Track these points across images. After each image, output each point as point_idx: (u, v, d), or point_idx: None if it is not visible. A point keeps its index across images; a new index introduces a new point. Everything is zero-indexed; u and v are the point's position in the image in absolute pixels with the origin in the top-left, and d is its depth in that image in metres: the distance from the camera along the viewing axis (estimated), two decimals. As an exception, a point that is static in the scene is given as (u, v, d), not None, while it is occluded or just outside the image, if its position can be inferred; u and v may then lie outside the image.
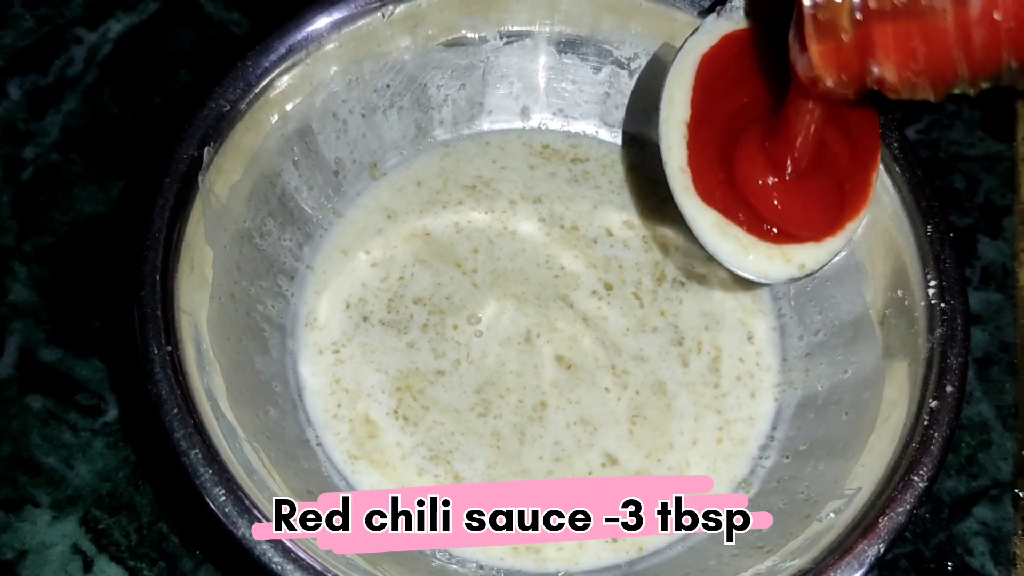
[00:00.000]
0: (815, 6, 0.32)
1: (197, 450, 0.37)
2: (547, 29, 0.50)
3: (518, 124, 0.52)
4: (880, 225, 0.45)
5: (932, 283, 0.42)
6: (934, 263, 0.42)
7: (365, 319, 0.48)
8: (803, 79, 0.35)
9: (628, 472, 0.45)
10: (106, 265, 0.52)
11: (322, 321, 0.48)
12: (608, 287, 0.49)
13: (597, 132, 0.53)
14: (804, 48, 0.34)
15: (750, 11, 0.43)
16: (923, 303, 0.42)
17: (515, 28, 0.50)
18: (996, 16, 0.30)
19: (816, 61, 0.34)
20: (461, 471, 0.45)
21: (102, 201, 0.53)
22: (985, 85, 0.33)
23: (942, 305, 0.41)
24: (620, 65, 0.51)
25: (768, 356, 0.48)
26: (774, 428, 0.47)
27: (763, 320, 0.49)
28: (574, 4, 0.49)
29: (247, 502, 0.37)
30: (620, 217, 0.51)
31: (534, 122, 0.52)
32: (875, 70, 0.33)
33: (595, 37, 0.50)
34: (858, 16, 0.32)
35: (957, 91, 0.33)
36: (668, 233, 0.50)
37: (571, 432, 0.46)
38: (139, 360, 0.39)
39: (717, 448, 0.46)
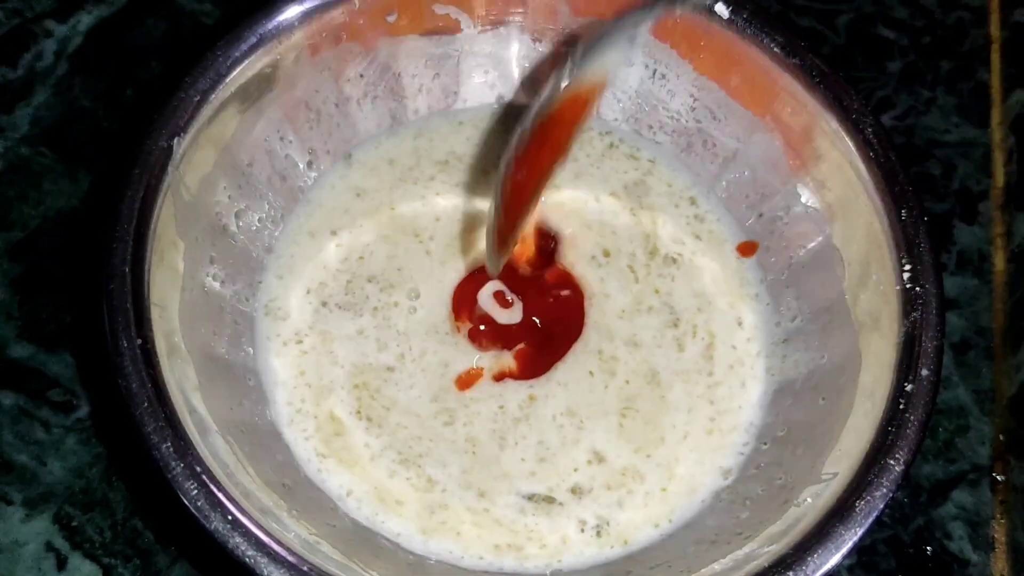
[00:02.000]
0: None
1: (168, 444, 0.37)
2: (520, 18, 0.50)
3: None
4: (855, 210, 0.45)
5: (907, 267, 0.42)
6: (908, 247, 0.42)
7: (324, 304, 0.47)
8: None
9: (615, 469, 0.44)
10: (77, 259, 0.51)
11: (285, 310, 0.47)
12: (606, 254, 0.49)
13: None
14: None
15: None
16: (898, 287, 0.42)
17: (489, 16, 0.50)
18: None
19: None
20: (434, 475, 0.44)
21: (73, 195, 0.53)
22: None
23: (917, 289, 0.41)
24: (595, 53, 0.50)
25: (756, 342, 0.47)
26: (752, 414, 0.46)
27: (749, 304, 0.48)
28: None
29: (220, 496, 0.36)
30: (605, 188, 0.50)
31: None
32: None
33: (569, 25, 0.50)
34: None
35: None
36: (655, 204, 0.50)
37: (557, 424, 0.45)
38: (109, 354, 0.38)
39: (707, 440, 0.45)
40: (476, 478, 0.44)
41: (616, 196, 0.50)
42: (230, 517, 0.36)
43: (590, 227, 0.49)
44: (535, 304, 0.48)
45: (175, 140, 0.42)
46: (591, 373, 0.46)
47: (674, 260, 0.49)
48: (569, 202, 0.50)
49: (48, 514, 0.46)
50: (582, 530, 0.43)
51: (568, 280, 0.48)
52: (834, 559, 0.37)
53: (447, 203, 0.50)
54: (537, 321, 0.47)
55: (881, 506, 0.38)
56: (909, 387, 0.40)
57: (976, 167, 0.56)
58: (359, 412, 0.45)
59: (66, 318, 0.50)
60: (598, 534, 0.43)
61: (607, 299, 0.48)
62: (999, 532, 0.48)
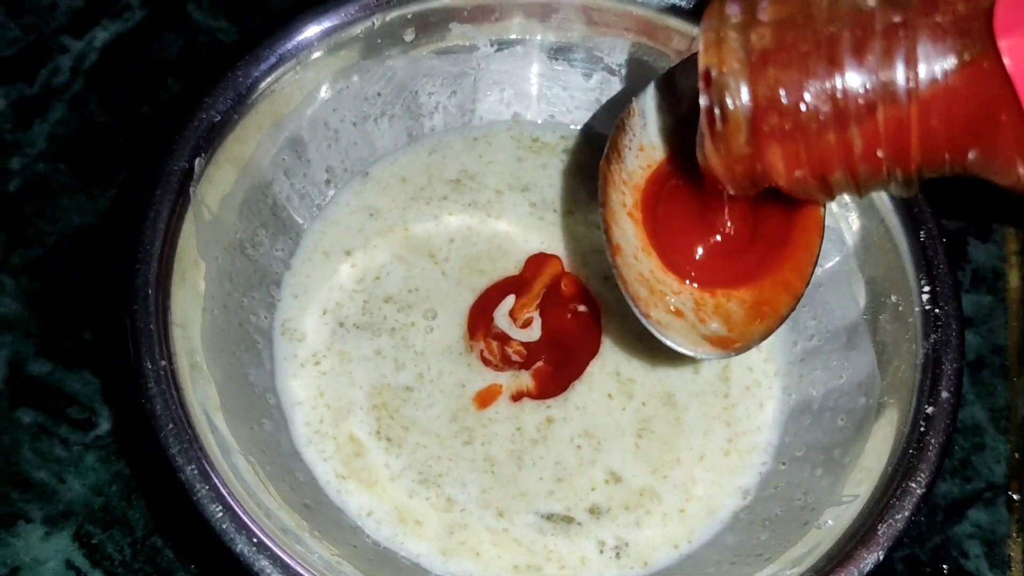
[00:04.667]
0: (711, 121, 0.34)
1: (193, 466, 0.37)
2: (538, 36, 0.50)
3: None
4: (873, 231, 0.45)
5: (926, 289, 0.42)
6: (927, 269, 0.42)
7: (341, 324, 0.47)
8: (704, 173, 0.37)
9: (633, 489, 0.45)
10: (96, 276, 0.51)
11: (301, 330, 0.47)
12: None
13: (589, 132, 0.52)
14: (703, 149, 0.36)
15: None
16: (917, 309, 0.42)
17: (506, 36, 0.50)
18: (879, 154, 0.32)
19: (712, 162, 0.35)
20: (453, 494, 0.44)
21: (90, 211, 0.53)
22: (872, 192, 0.35)
23: (936, 311, 0.42)
24: (611, 71, 0.51)
25: (773, 362, 0.47)
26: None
27: None
28: (565, 11, 0.49)
29: (244, 518, 0.37)
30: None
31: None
32: (766, 178, 0.35)
33: (585, 44, 0.50)
34: (749, 139, 0.34)
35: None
36: None
37: (574, 445, 0.45)
38: (133, 375, 0.38)
39: (724, 461, 0.45)
40: (495, 497, 0.44)
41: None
42: (255, 540, 0.36)
43: (600, 251, 0.49)
44: (553, 319, 0.48)
45: (196, 160, 0.43)
46: (610, 396, 0.46)
47: None
48: (584, 224, 0.50)
49: (68, 532, 0.46)
50: (601, 551, 0.43)
51: (585, 294, 0.48)
52: (856, 582, 0.37)
53: (460, 223, 0.50)
54: (555, 337, 0.47)
55: (903, 528, 0.38)
56: (930, 409, 0.40)
57: (990, 184, 0.56)
58: (378, 432, 0.45)
59: (84, 335, 0.50)
60: (617, 555, 0.43)
61: (625, 319, 0.48)
62: (1015, 550, 0.48)
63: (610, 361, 0.47)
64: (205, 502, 0.36)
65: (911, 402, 0.41)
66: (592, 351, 0.47)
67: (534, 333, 0.48)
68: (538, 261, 0.49)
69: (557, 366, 0.47)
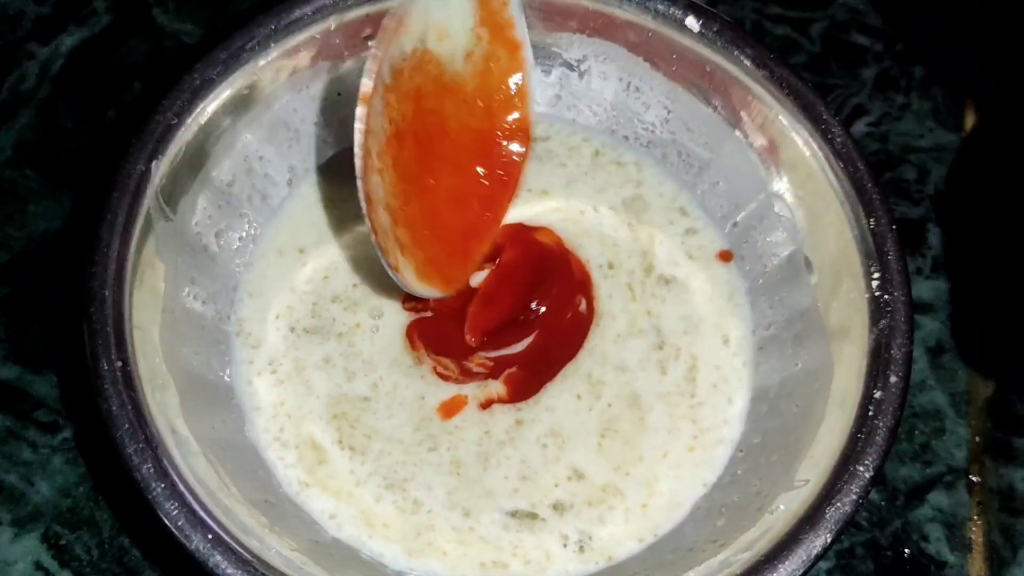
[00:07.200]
0: None
1: (149, 465, 0.37)
2: (495, 33, 0.50)
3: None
4: (825, 220, 0.45)
5: (875, 276, 0.42)
6: (877, 256, 0.43)
7: (292, 329, 0.47)
8: None
9: (596, 486, 0.45)
10: (63, 281, 0.52)
11: (257, 335, 0.47)
12: (611, 266, 0.49)
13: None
14: None
15: None
16: (867, 295, 0.43)
17: (463, 33, 0.50)
18: None
19: None
20: (420, 497, 0.44)
21: (58, 216, 0.53)
22: None
23: (885, 297, 0.42)
24: (570, 67, 0.51)
25: (741, 357, 0.47)
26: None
27: (735, 322, 0.48)
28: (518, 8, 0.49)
29: (202, 514, 0.37)
30: (603, 199, 0.50)
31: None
32: None
33: (543, 40, 0.50)
34: None
35: None
36: (652, 221, 0.50)
37: (540, 444, 0.46)
38: (90, 376, 0.39)
39: (689, 456, 0.45)
40: (461, 498, 0.44)
41: (614, 210, 0.50)
42: (211, 536, 0.37)
43: (590, 236, 0.49)
44: (550, 325, 0.47)
45: (153, 163, 0.43)
46: (579, 397, 0.46)
47: (667, 281, 0.49)
48: (565, 209, 0.50)
49: (36, 533, 0.46)
50: (565, 545, 0.44)
51: (587, 288, 0.48)
52: (804, 565, 0.38)
53: None
54: (546, 343, 0.47)
55: (850, 512, 0.38)
56: (878, 394, 0.40)
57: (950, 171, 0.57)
58: (340, 442, 0.45)
59: (52, 339, 0.50)
60: (581, 549, 0.44)
61: (612, 320, 0.48)
62: (976, 533, 0.49)
63: (584, 363, 0.47)
64: (160, 499, 0.37)
65: (861, 387, 0.41)
66: (571, 355, 0.47)
67: (521, 344, 0.47)
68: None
69: (534, 371, 0.47)
